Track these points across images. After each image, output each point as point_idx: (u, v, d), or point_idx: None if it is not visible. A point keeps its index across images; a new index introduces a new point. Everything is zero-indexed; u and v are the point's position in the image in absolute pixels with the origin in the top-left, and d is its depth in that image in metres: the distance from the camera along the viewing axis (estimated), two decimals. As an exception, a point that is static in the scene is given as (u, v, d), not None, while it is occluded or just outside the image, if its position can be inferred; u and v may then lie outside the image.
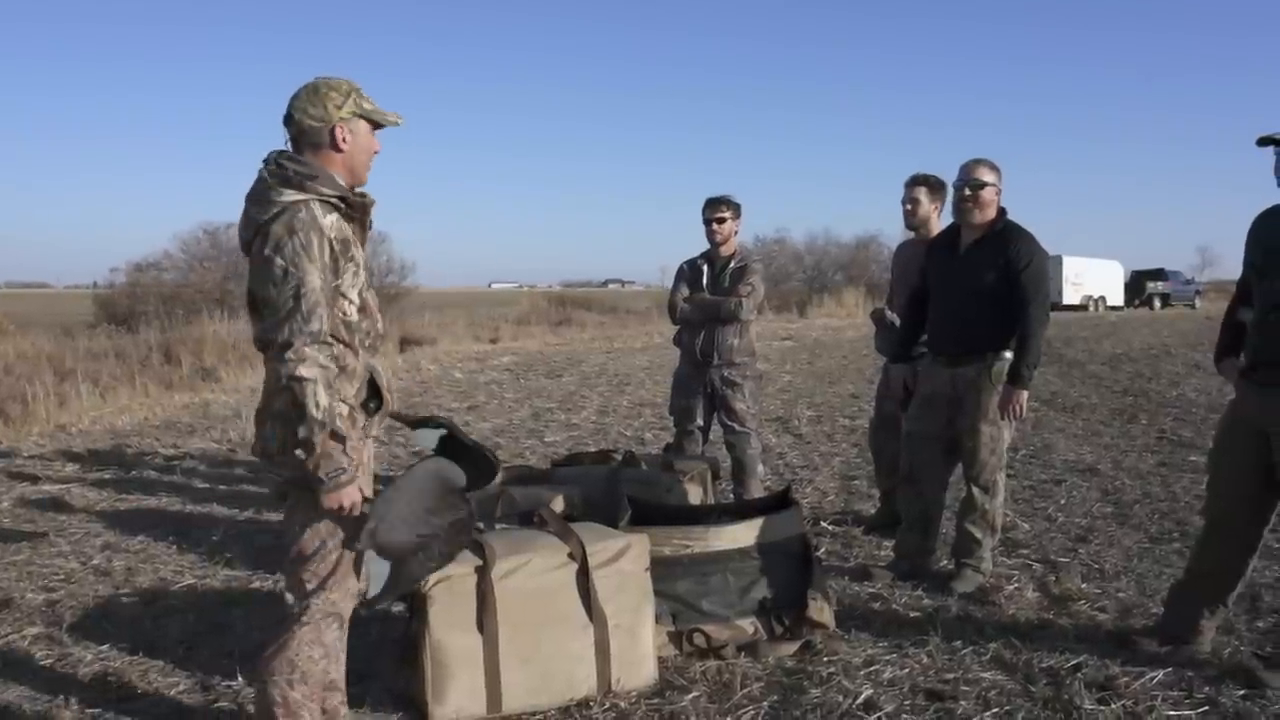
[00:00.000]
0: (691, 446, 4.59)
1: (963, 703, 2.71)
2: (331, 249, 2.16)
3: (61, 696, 2.81)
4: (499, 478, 2.75)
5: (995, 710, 2.67)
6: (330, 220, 2.18)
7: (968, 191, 3.64)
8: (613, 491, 3.62)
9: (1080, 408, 8.37)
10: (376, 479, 2.55)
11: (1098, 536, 4.41)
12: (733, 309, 4.42)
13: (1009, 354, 3.56)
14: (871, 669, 2.93)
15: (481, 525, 2.82)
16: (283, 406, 2.16)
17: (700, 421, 4.58)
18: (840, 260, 33.90)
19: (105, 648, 3.18)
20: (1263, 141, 2.82)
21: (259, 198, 2.18)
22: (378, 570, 2.30)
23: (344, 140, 2.23)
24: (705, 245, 4.59)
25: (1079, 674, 2.87)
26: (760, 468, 4.63)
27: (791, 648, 3.04)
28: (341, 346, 2.20)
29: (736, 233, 4.58)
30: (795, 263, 33.74)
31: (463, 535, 2.46)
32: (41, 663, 3.09)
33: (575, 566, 2.72)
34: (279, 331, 2.10)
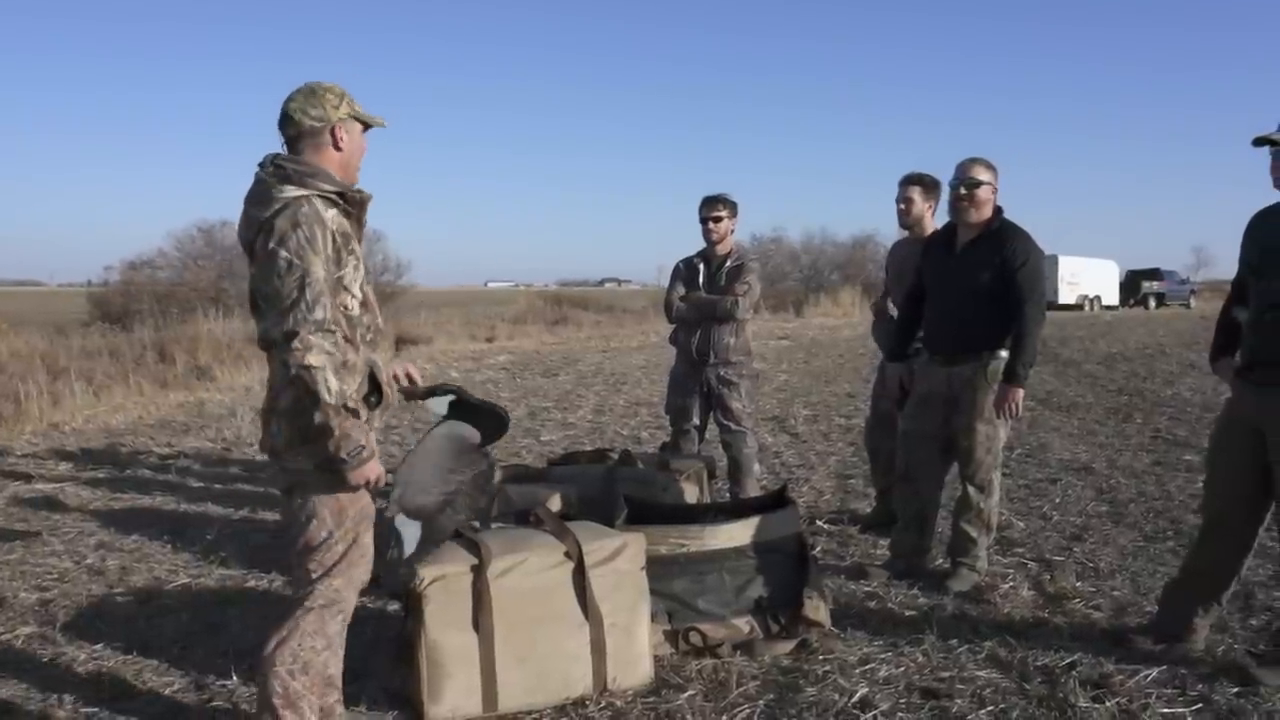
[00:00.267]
0: (688, 445, 4.59)
1: (958, 701, 2.72)
2: (334, 241, 2.21)
3: (55, 696, 2.80)
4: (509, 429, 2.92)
5: (990, 708, 2.67)
6: (331, 214, 2.24)
7: (963, 190, 3.64)
8: (609, 490, 3.62)
9: (1075, 407, 8.39)
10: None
11: (1093, 535, 4.42)
12: (729, 308, 4.42)
13: (1005, 353, 3.56)
14: (867, 667, 2.93)
15: (477, 524, 2.84)
16: (289, 403, 2.21)
17: (696, 420, 4.58)
18: (837, 260, 33.93)
19: (99, 647, 3.17)
20: (1258, 142, 2.83)
21: (259, 198, 2.22)
22: (410, 533, 2.44)
23: (342, 140, 2.31)
24: (702, 244, 4.59)
25: (1074, 672, 2.88)
26: (756, 467, 4.63)
27: (787, 646, 3.05)
28: (343, 340, 2.22)
29: (733, 231, 4.57)
30: (792, 262, 33.76)
31: (486, 486, 2.64)
32: (35, 662, 3.08)
33: (571, 565, 2.72)
34: (284, 321, 2.12)
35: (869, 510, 4.78)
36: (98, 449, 6.88)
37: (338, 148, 2.30)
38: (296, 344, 2.10)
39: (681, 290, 4.58)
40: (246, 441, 7.05)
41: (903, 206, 4.38)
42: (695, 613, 3.06)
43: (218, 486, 5.69)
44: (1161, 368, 11.29)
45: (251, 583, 3.87)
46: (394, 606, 3.06)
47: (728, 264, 4.52)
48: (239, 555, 4.21)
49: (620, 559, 2.78)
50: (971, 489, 3.68)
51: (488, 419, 2.71)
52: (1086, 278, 31.38)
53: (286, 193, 2.19)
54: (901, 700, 2.73)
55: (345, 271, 2.24)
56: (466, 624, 2.60)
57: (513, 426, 7.79)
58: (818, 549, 4.16)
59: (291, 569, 2.34)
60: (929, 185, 4.36)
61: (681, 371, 4.61)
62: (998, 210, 3.69)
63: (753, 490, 4.47)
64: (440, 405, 2.70)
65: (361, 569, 2.36)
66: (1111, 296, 32.35)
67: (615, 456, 4.14)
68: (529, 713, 2.65)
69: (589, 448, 5.73)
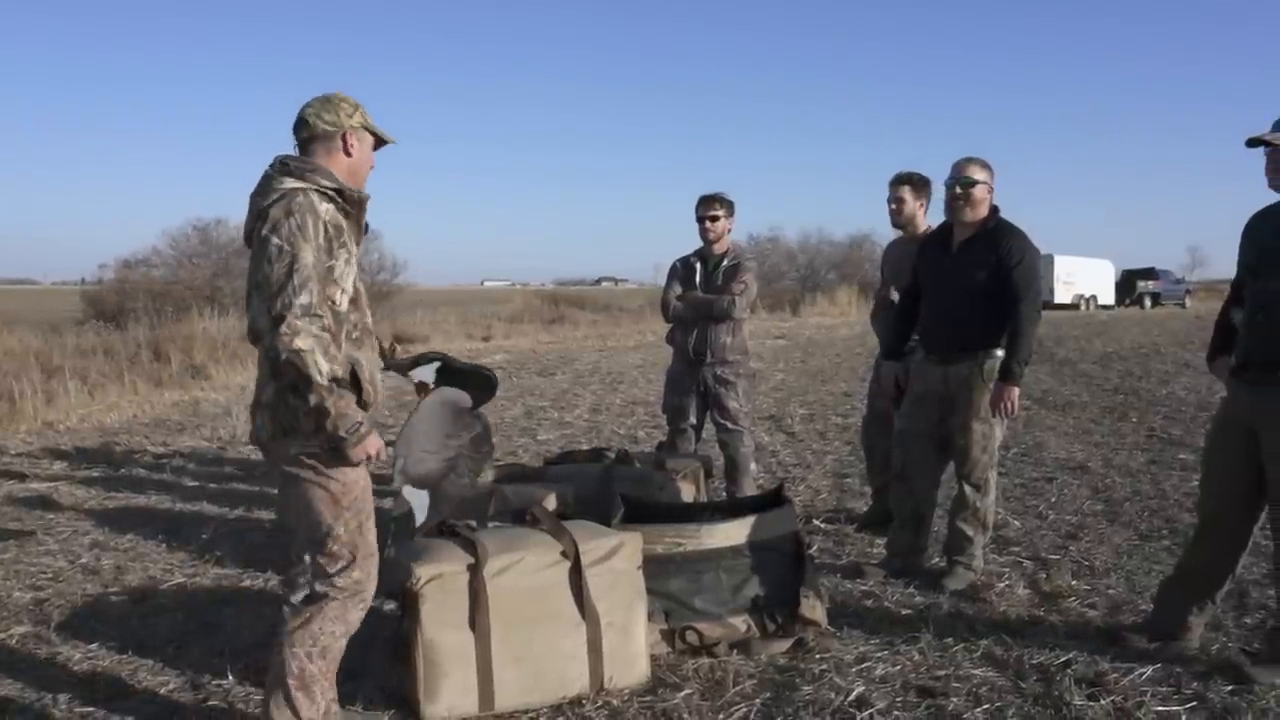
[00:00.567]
0: (684, 445, 4.59)
1: (954, 699, 2.72)
2: (326, 231, 2.25)
3: (50, 696, 2.79)
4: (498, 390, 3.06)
5: (986, 707, 2.67)
6: (326, 207, 2.28)
7: (959, 190, 3.65)
8: (605, 489, 3.62)
9: (1071, 406, 8.40)
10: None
11: (1088, 534, 4.43)
12: (725, 307, 4.42)
13: (1000, 352, 3.57)
14: (863, 666, 2.94)
15: (474, 523, 2.85)
16: (271, 396, 2.25)
17: (693, 420, 4.58)
18: (833, 259, 33.93)
19: (94, 647, 3.16)
20: (1252, 143, 2.83)
21: (262, 189, 2.30)
22: (419, 502, 2.50)
23: (353, 146, 2.39)
24: (699, 243, 4.59)
25: (1069, 670, 2.88)
26: (753, 466, 4.63)
27: (784, 645, 3.05)
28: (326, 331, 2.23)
29: (730, 231, 4.58)
30: (788, 261, 33.76)
31: (485, 447, 2.72)
32: (30, 662, 3.07)
33: (568, 564, 2.72)
34: (271, 305, 2.15)
35: (865, 509, 4.78)
36: (92, 448, 6.86)
37: (348, 153, 2.38)
38: (284, 329, 2.13)
39: (678, 289, 4.58)
40: (241, 440, 7.04)
41: (894, 207, 4.39)
42: (692, 612, 3.06)
43: (213, 485, 5.68)
44: (1156, 367, 11.31)
45: (247, 582, 3.86)
46: (390, 605, 3.06)
47: (724, 263, 4.52)
48: (234, 554, 4.20)
49: (617, 558, 2.78)
50: (967, 488, 3.69)
51: (476, 382, 2.80)
52: (1082, 277, 31.45)
53: (286, 184, 2.26)
54: (898, 699, 2.73)
55: (336, 264, 2.27)
56: (463, 623, 2.60)
57: (509, 426, 7.81)
58: (814, 548, 4.17)
59: (309, 561, 2.34)
60: (919, 184, 4.37)
61: (678, 371, 4.61)
62: (994, 209, 3.70)
63: (749, 489, 4.47)
64: (427, 373, 2.77)
65: (373, 563, 2.38)
66: (1107, 296, 32.43)
67: (612, 456, 4.14)
68: (525, 712, 2.65)
69: (585, 447, 5.73)
